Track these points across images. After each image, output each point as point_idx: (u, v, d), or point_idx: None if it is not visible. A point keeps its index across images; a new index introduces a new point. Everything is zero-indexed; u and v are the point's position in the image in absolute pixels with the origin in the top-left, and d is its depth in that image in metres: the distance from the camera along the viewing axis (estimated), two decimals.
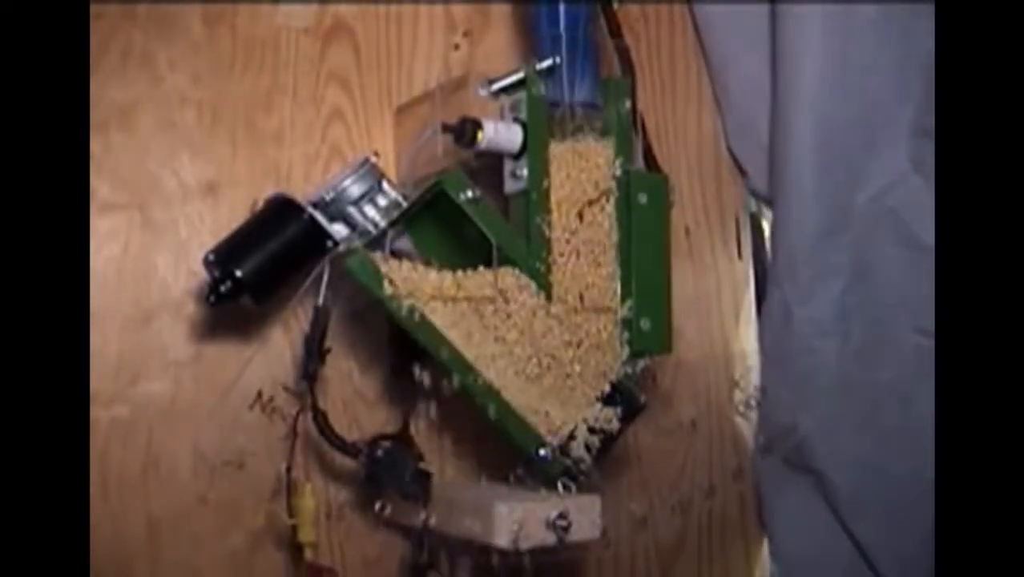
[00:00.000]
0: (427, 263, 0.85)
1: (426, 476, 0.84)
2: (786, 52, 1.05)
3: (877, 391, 1.06)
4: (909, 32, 1.01)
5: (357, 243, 0.83)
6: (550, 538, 0.79)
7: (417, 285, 0.81)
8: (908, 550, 1.04)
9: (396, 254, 0.84)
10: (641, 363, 0.90)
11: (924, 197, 1.02)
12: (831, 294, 1.07)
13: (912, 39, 1.01)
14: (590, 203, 0.88)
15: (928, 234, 1.02)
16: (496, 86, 0.87)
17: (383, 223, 0.84)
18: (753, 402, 1.15)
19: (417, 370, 0.86)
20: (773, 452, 1.14)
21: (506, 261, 0.84)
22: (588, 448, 0.84)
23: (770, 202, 1.15)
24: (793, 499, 1.13)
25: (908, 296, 1.04)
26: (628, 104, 0.91)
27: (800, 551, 1.14)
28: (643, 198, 0.90)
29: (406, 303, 0.79)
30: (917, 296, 1.02)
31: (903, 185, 1.04)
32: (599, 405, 0.86)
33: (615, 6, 0.95)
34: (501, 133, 0.83)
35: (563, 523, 0.79)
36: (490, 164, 0.87)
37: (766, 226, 1.18)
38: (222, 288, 0.80)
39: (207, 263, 0.83)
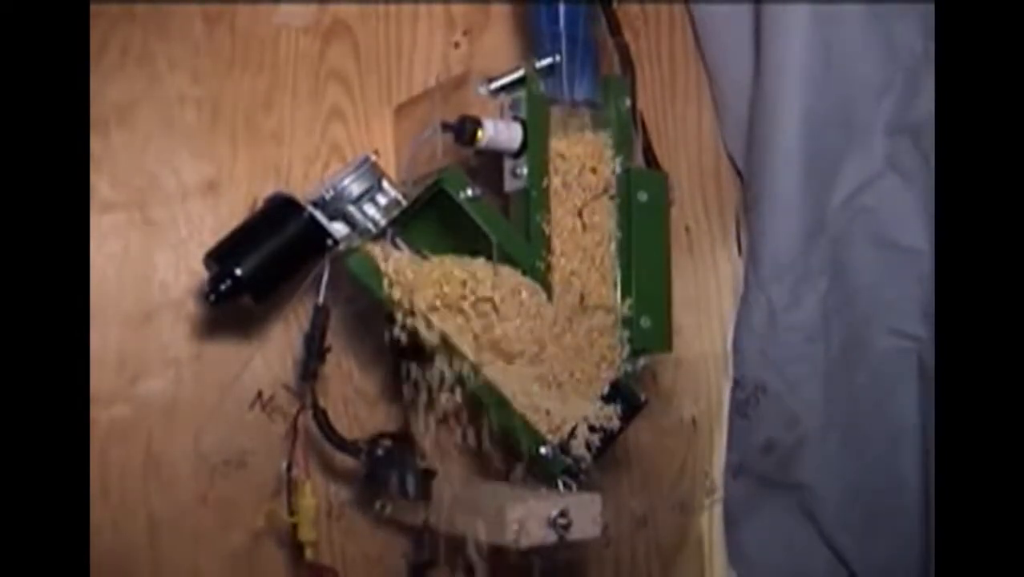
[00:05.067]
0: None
1: (427, 475, 0.84)
2: (769, 51, 1.03)
3: (856, 396, 1.04)
4: (892, 31, 1.00)
5: (357, 242, 0.83)
6: (550, 536, 0.79)
7: (418, 281, 0.81)
8: (888, 562, 1.03)
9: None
10: (641, 361, 0.90)
11: (899, 196, 1.01)
12: (816, 298, 1.05)
13: (895, 37, 1.00)
14: (590, 201, 0.88)
15: (904, 234, 1.01)
16: (496, 84, 0.87)
17: (383, 222, 0.84)
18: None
19: (416, 368, 0.86)
20: (745, 472, 1.10)
21: (506, 260, 0.84)
22: (588, 446, 0.84)
23: None
24: (767, 521, 1.10)
25: (884, 297, 1.02)
26: (628, 102, 0.91)
27: (774, 574, 1.11)
28: (643, 196, 0.89)
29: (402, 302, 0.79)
30: (893, 297, 1.01)
31: (878, 183, 1.02)
32: (599, 403, 0.86)
33: (615, 4, 0.95)
34: (501, 132, 0.83)
35: (564, 521, 0.79)
36: (490, 163, 0.87)
37: None
38: (222, 287, 0.80)
39: (207, 262, 0.83)
